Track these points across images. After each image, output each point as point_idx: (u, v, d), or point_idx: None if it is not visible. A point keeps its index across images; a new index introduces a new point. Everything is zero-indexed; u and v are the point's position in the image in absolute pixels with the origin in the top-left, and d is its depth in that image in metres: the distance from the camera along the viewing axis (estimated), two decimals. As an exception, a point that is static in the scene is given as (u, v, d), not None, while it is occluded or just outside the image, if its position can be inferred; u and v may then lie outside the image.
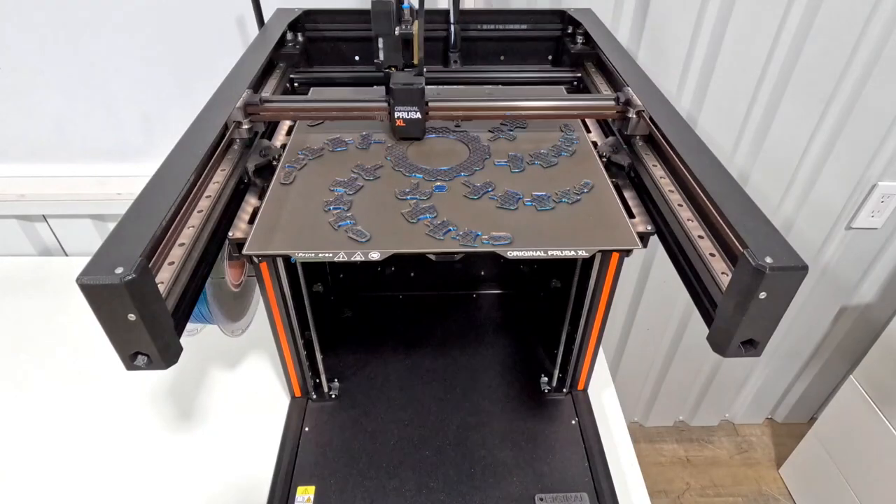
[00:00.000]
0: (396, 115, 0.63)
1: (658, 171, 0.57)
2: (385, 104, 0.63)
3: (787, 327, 1.47)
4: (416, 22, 0.61)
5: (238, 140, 0.61)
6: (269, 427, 0.80)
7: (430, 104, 0.63)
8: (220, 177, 0.55)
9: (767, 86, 1.03)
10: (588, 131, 0.71)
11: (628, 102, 0.62)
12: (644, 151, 0.61)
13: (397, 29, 0.62)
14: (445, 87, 0.80)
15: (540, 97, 0.67)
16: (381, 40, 0.62)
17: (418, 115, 0.63)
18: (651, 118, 0.60)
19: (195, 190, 0.51)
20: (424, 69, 0.62)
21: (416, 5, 0.62)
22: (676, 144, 0.55)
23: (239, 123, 0.59)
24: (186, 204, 0.49)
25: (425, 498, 0.71)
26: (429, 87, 0.62)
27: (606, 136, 0.69)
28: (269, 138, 0.69)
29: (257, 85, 0.69)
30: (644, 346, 1.52)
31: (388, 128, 0.67)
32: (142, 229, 0.43)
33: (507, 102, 0.65)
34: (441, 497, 0.71)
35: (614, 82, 0.72)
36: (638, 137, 0.63)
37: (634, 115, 0.61)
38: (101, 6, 0.92)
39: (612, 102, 0.64)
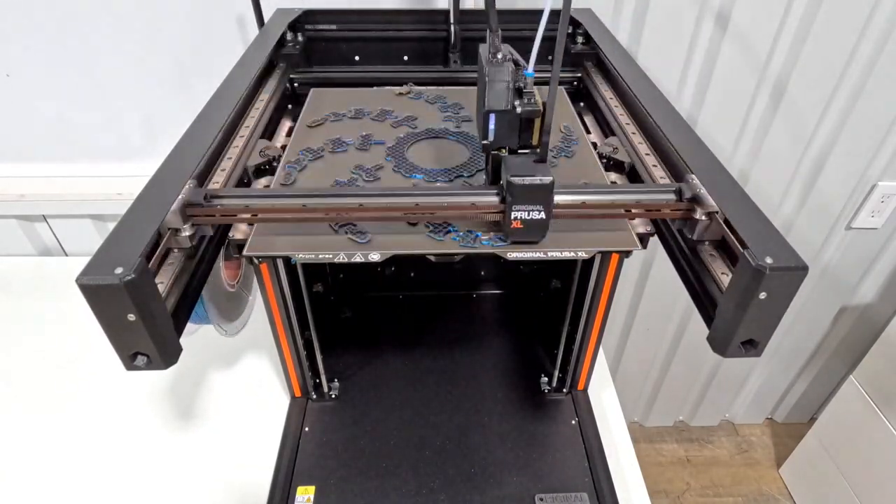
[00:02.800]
0: (514, 215, 0.49)
1: (658, 172, 0.57)
2: (496, 199, 0.49)
3: (787, 327, 1.47)
4: (536, 92, 0.48)
5: (176, 250, 0.48)
6: (269, 427, 0.80)
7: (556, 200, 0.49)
8: (220, 177, 0.55)
9: (767, 86, 1.03)
10: (588, 132, 0.71)
11: (696, 200, 0.49)
12: (709, 257, 0.49)
13: (518, 104, 0.47)
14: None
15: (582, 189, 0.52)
16: (492, 117, 0.48)
17: (543, 216, 0.49)
18: (727, 220, 0.46)
19: (195, 190, 0.50)
20: (549, 151, 0.49)
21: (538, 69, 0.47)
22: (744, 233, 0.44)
23: (176, 231, 0.46)
24: (186, 204, 0.48)
25: (425, 498, 0.71)
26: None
27: (606, 137, 0.69)
28: (270, 139, 0.69)
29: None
30: (644, 346, 1.52)
31: (482, 222, 0.53)
32: (142, 229, 0.43)
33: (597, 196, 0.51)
34: (441, 497, 0.71)
35: (672, 166, 0.57)
36: (707, 244, 0.50)
37: (705, 217, 0.48)
38: (101, 6, 0.92)
39: (673, 197, 0.51)
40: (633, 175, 0.62)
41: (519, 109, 0.47)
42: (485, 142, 0.50)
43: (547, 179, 0.47)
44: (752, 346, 0.45)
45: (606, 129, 0.71)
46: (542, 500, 0.70)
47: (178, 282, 0.46)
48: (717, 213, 0.47)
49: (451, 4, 0.80)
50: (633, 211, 0.51)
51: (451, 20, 0.81)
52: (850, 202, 1.20)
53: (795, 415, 1.78)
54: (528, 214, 0.49)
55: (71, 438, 0.81)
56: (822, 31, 0.95)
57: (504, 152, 0.50)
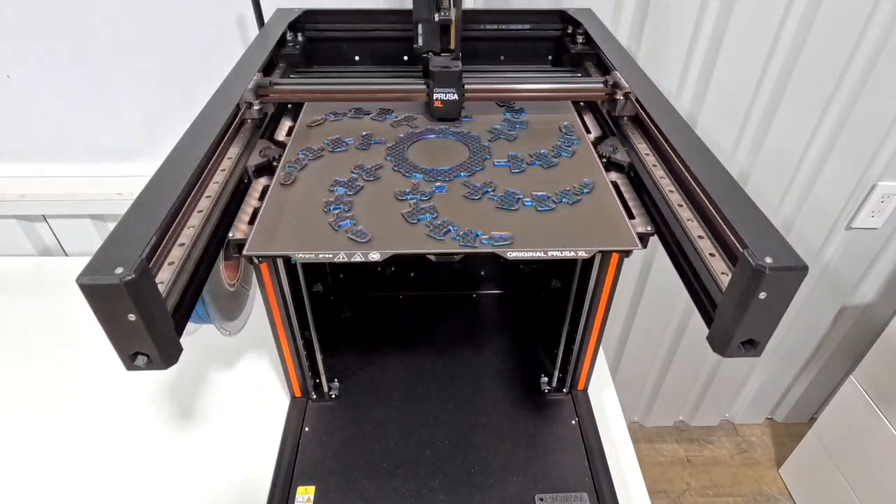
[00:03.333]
0: (435, 96, 0.67)
1: (658, 172, 0.57)
2: (424, 86, 0.68)
3: (787, 327, 1.47)
4: (454, 9, 0.67)
5: (249, 121, 0.64)
6: (269, 427, 0.80)
7: (465, 86, 0.67)
8: (220, 177, 0.55)
9: (767, 86, 1.03)
10: (588, 132, 0.71)
11: (616, 85, 0.67)
12: (630, 131, 0.64)
13: (437, 15, 0.67)
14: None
15: (535, 80, 0.75)
16: (420, 26, 0.67)
17: (455, 97, 0.67)
18: (637, 100, 0.63)
19: (195, 190, 0.51)
20: (461, 53, 0.69)
21: None
22: (661, 123, 0.58)
23: (250, 105, 0.63)
24: (186, 204, 0.49)
25: (425, 498, 0.71)
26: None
27: (606, 137, 0.69)
28: (269, 139, 0.69)
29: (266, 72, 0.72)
30: (644, 346, 1.52)
31: (423, 108, 0.72)
32: (142, 229, 0.43)
33: (511, 85, 0.75)
34: (441, 497, 0.71)
35: (604, 68, 0.75)
36: (625, 119, 0.66)
37: (622, 97, 0.65)
38: (101, 6, 0.92)
39: (601, 85, 0.69)
40: (634, 175, 0.62)
41: (437, 18, 0.67)
42: (415, 45, 0.68)
43: (457, 67, 0.65)
44: (752, 346, 0.45)
45: (606, 129, 0.71)
46: (542, 500, 0.70)
47: (178, 282, 0.46)
48: (630, 93, 0.64)
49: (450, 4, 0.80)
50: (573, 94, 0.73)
51: (451, 20, 0.81)
52: (850, 202, 1.20)
53: (795, 415, 1.78)
54: (445, 95, 0.67)
55: (71, 438, 0.81)
56: (822, 30, 0.95)
57: (431, 55, 0.68)
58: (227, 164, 0.57)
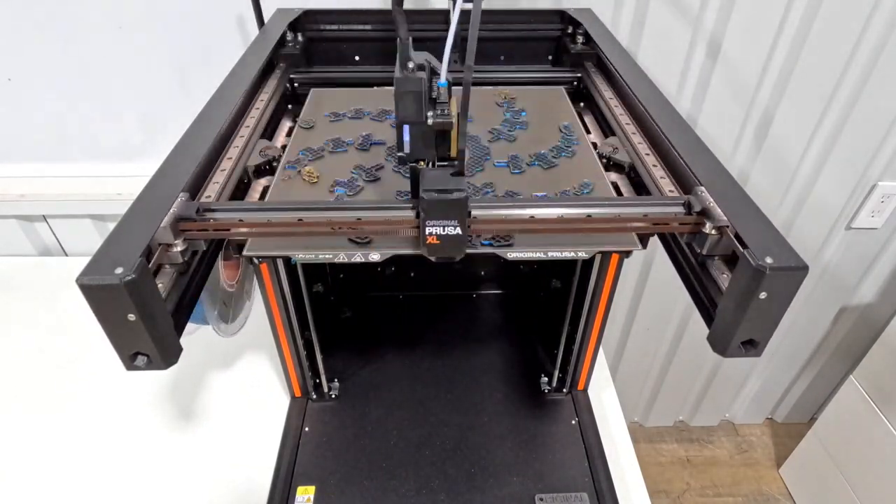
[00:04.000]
0: (428, 231, 0.46)
1: (658, 172, 0.57)
2: (412, 214, 0.47)
3: (787, 327, 1.47)
4: (453, 101, 0.47)
5: (167, 266, 0.46)
6: (269, 427, 0.80)
7: (473, 216, 0.47)
8: (220, 177, 0.55)
9: (767, 86, 1.03)
10: (588, 132, 0.71)
11: (705, 213, 0.47)
12: (717, 271, 0.47)
13: (430, 116, 0.46)
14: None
15: (607, 203, 0.50)
16: (405, 128, 0.47)
17: (458, 232, 0.46)
18: (737, 234, 0.44)
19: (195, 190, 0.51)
20: (465, 164, 0.47)
21: (452, 78, 0.46)
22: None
23: (168, 246, 0.45)
24: (186, 204, 0.48)
25: (425, 498, 0.71)
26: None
27: (606, 137, 0.69)
28: (270, 139, 0.69)
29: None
30: (644, 346, 1.52)
31: (412, 241, 0.50)
32: (142, 229, 0.43)
33: (560, 210, 0.49)
34: (441, 497, 0.71)
35: (679, 178, 0.55)
36: (718, 258, 0.48)
37: (715, 231, 0.46)
38: (101, 6, 0.91)
39: (681, 209, 0.49)
40: (634, 175, 0.62)
41: (430, 121, 0.45)
42: (400, 154, 0.48)
43: (460, 194, 0.44)
44: (752, 346, 0.45)
45: (606, 130, 0.71)
46: (542, 500, 0.70)
47: (178, 282, 0.46)
48: (727, 227, 0.44)
49: (450, 4, 0.80)
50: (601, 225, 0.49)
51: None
52: (850, 202, 1.20)
53: (795, 415, 1.78)
54: (444, 230, 0.46)
55: (71, 438, 0.81)
56: (822, 30, 0.95)
57: (423, 164, 0.48)
58: (228, 163, 0.57)
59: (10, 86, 0.99)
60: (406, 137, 0.47)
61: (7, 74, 0.98)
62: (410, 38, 0.46)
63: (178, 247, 0.45)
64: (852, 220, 1.23)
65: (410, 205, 0.48)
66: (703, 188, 0.49)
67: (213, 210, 0.47)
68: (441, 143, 0.47)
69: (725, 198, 0.48)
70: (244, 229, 0.48)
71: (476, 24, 0.40)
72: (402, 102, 0.45)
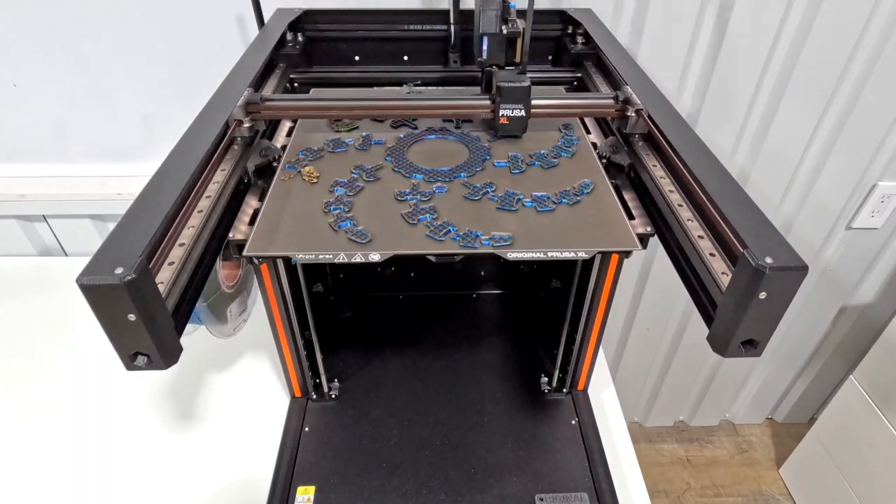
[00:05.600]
0: (502, 112, 0.63)
1: (658, 172, 0.57)
2: (488, 101, 0.64)
3: (787, 327, 1.47)
4: (520, 21, 0.63)
5: (239, 139, 0.61)
6: (269, 427, 0.80)
7: (533, 102, 0.64)
8: (220, 177, 0.55)
9: (767, 86, 1.03)
10: (588, 132, 0.71)
11: (627, 101, 0.63)
12: (643, 151, 0.61)
13: (504, 27, 0.62)
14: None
15: (544, 95, 0.66)
16: (485, 39, 0.63)
17: (523, 113, 0.63)
18: (650, 116, 0.60)
19: (195, 190, 0.51)
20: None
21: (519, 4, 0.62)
22: (675, 143, 0.55)
23: (240, 122, 0.59)
24: (186, 204, 0.49)
25: (425, 498, 0.71)
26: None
27: (606, 137, 0.69)
28: (270, 139, 0.69)
29: (258, 84, 0.69)
30: (644, 346, 1.52)
31: (485, 123, 0.69)
32: (142, 229, 0.43)
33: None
34: (441, 497, 0.71)
35: (614, 82, 0.72)
36: (637, 136, 0.63)
37: (633, 114, 0.61)
38: (101, 6, 0.92)
39: (612, 101, 0.65)
40: (634, 175, 0.62)
41: (504, 31, 0.62)
42: (479, 59, 0.64)
43: (526, 83, 0.61)
44: (752, 346, 0.45)
45: (606, 130, 0.71)
46: (542, 500, 0.70)
47: (178, 282, 0.46)
48: (643, 109, 0.61)
49: (451, 4, 0.80)
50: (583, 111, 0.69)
51: (451, 20, 0.81)
52: (850, 202, 1.20)
53: (795, 415, 1.78)
54: (512, 112, 0.63)
55: (71, 438, 0.81)
56: (822, 30, 0.95)
57: (495, 69, 0.64)
58: (227, 164, 0.57)
59: (12, 87, 0.99)
60: (484, 46, 0.64)
61: (12, 80, 0.98)
62: None
63: (247, 123, 0.60)
64: (852, 220, 1.23)
65: (484, 97, 0.65)
66: (627, 86, 0.65)
67: (271, 99, 0.63)
68: (509, 49, 0.64)
69: (725, 198, 0.48)
70: (295, 112, 0.67)
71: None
72: (484, 16, 0.62)
